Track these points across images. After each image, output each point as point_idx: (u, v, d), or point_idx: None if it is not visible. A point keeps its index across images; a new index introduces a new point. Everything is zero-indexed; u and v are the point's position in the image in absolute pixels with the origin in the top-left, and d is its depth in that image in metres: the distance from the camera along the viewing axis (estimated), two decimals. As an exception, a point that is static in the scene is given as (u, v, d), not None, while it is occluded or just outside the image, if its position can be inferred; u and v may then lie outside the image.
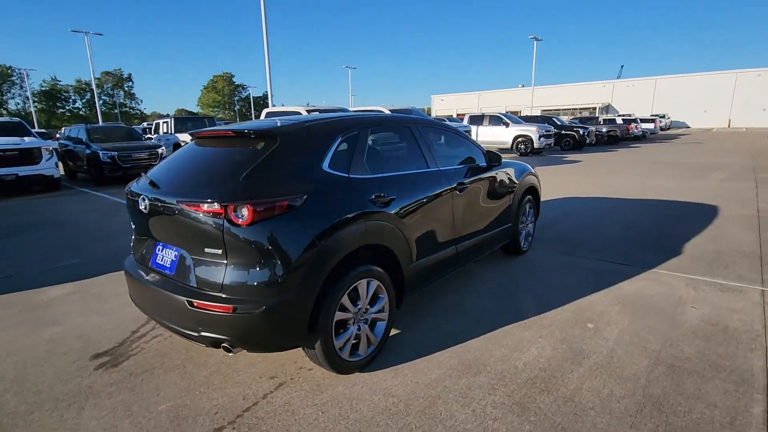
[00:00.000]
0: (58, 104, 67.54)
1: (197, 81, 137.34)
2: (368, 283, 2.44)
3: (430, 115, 56.11)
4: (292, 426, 2.05)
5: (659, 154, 16.40)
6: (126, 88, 73.31)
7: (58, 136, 16.83)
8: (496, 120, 17.91)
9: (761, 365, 2.42)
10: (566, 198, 7.67)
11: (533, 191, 4.59)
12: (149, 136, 16.43)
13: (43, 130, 27.34)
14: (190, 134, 2.78)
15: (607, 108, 54.83)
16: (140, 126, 24.25)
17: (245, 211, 1.97)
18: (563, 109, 53.28)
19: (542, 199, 7.44)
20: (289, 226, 2.07)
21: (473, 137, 17.66)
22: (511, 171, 4.07)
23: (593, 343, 2.70)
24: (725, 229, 5.29)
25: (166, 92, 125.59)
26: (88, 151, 11.19)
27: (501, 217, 3.91)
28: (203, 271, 2.11)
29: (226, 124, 10.65)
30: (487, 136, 17.74)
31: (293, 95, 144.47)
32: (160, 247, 2.38)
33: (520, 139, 17.02)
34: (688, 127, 50.07)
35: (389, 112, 11.58)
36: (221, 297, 2.04)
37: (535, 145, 16.65)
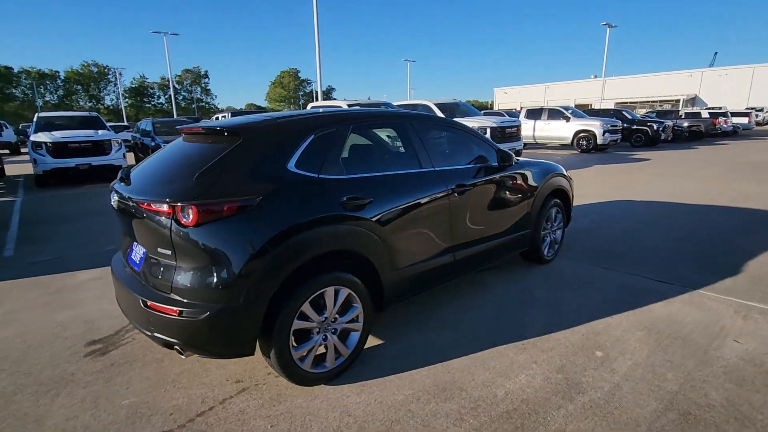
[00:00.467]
0: (144, 100, 74.88)
1: (267, 77, 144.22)
2: (337, 292, 2.29)
3: (492, 108, 54.30)
4: (237, 437, 1.97)
5: (746, 153, 14.35)
6: (203, 85, 79.14)
7: (133, 129, 18.44)
8: (555, 114, 16.68)
9: (808, 424, 1.94)
10: (615, 201, 6.94)
11: (561, 194, 4.13)
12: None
13: (126, 124, 30.30)
14: (179, 129, 2.79)
15: (693, 100, 49.36)
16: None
17: (190, 212, 1.91)
18: (640, 102, 48.83)
19: (586, 201, 6.84)
20: (239, 228, 1.97)
21: (530, 132, 16.70)
22: (529, 171, 3.67)
23: (595, 376, 2.34)
24: (807, 245, 4.45)
25: (238, 88, 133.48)
26: (153, 143, 12.12)
27: (517, 223, 3.56)
28: (156, 271, 2.09)
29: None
30: (545, 131, 16.61)
31: (356, 89, 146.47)
32: (135, 243, 2.41)
33: (581, 135, 15.71)
34: (793, 122, 43.62)
35: (434, 106, 11.34)
36: (171, 299, 2.00)
37: (599, 141, 15.28)
